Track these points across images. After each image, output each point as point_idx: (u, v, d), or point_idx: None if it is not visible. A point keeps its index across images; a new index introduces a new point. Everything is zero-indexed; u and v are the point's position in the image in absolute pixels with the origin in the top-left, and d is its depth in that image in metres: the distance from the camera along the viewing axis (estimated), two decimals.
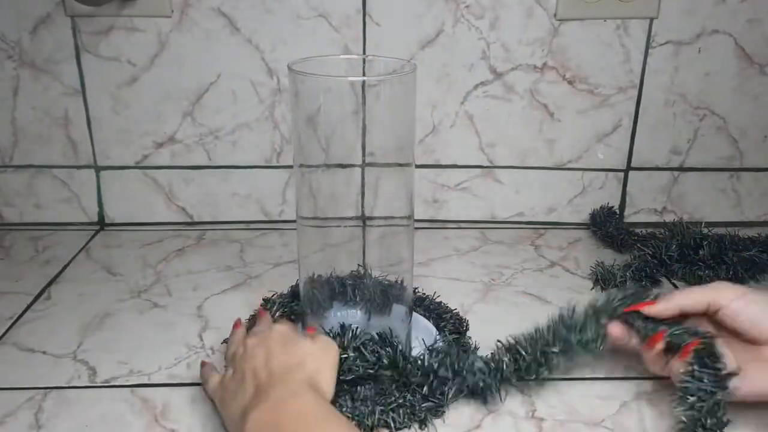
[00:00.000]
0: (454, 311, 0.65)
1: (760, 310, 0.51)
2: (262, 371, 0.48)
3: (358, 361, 0.52)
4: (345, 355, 0.52)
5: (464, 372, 0.53)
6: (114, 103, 0.82)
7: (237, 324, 0.58)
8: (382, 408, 0.51)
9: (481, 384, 0.53)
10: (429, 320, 0.63)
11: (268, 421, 0.44)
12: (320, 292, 0.60)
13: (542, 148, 0.86)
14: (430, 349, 0.55)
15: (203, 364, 0.56)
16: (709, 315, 0.54)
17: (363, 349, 0.53)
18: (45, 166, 0.85)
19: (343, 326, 0.55)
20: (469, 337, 0.61)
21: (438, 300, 0.66)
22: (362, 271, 0.61)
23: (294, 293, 0.65)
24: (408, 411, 0.51)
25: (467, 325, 0.63)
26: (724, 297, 0.53)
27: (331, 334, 0.54)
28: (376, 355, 0.53)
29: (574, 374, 0.58)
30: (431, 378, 0.53)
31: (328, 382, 0.49)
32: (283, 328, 0.53)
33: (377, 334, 0.55)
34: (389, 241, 0.62)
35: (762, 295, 0.53)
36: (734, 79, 0.82)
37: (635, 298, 0.55)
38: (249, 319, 0.63)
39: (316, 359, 0.50)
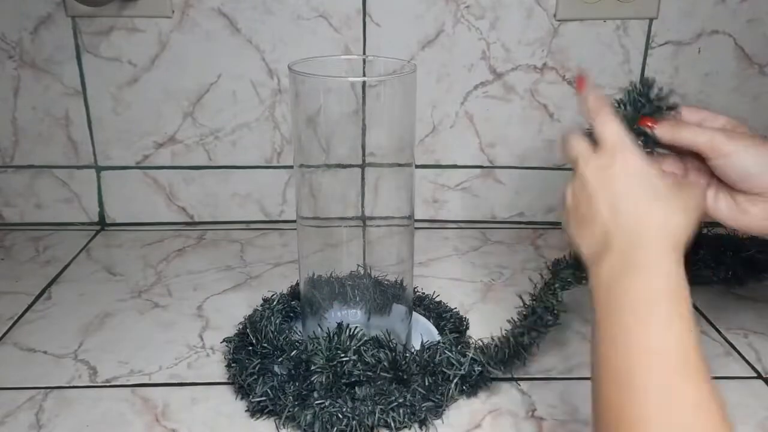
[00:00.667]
0: (454, 310, 0.65)
1: (754, 164, 0.50)
2: (613, 227, 0.45)
3: (358, 365, 0.53)
4: (345, 358, 0.53)
5: (460, 361, 0.54)
6: (115, 103, 0.82)
7: (581, 83, 0.53)
8: (382, 408, 0.51)
9: (477, 369, 0.54)
10: (429, 320, 0.64)
11: (608, 285, 0.42)
12: (320, 292, 0.60)
13: (542, 148, 0.86)
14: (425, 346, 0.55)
15: (582, 86, 0.52)
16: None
17: (363, 353, 0.53)
18: (46, 166, 0.85)
19: (340, 325, 0.55)
20: (470, 337, 0.61)
21: (438, 300, 0.66)
22: (362, 271, 0.61)
23: (294, 293, 0.65)
24: (408, 411, 0.51)
25: (467, 324, 0.63)
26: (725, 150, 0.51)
27: (330, 334, 0.55)
28: (376, 358, 0.53)
29: (574, 374, 0.58)
30: (429, 371, 0.53)
31: (686, 238, 0.44)
32: (626, 160, 0.46)
33: (376, 337, 0.55)
34: (389, 241, 0.62)
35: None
36: (734, 79, 0.82)
37: (651, 108, 0.53)
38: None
39: (680, 213, 0.44)
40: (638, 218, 0.44)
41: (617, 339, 0.40)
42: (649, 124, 0.52)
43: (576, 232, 0.49)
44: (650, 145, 0.52)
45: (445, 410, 0.53)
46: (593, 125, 0.50)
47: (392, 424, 0.50)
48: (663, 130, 0.52)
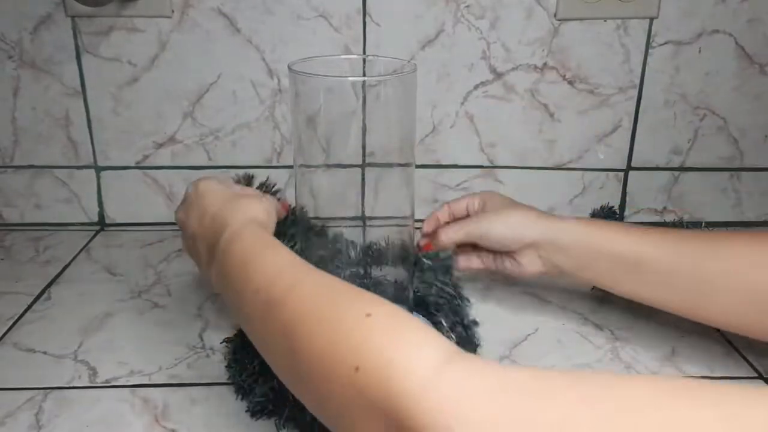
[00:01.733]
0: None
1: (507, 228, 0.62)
2: (201, 232, 0.54)
3: None
4: None
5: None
6: (114, 103, 0.82)
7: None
8: None
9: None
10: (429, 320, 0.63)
11: (220, 272, 0.49)
12: None
13: (542, 148, 0.86)
14: None
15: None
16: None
17: None
18: (45, 166, 0.85)
19: None
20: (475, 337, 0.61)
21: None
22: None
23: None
24: None
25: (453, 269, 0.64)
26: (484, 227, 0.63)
27: None
28: None
29: None
30: None
31: (269, 213, 0.54)
32: (203, 184, 0.57)
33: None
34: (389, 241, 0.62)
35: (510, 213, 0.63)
36: (734, 79, 0.82)
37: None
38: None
39: (246, 197, 0.55)
40: (219, 218, 0.53)
41: (246, 300, 0.46)
42: (426, 249, 0.66)
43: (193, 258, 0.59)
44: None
45: None
46: None
47: None
48: (438, 244, 0.65)
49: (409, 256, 0.60)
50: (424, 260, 0.62)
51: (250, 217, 0.52)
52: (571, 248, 0.57)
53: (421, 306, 0.65)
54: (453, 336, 0.57)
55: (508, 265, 0.63)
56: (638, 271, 0.54)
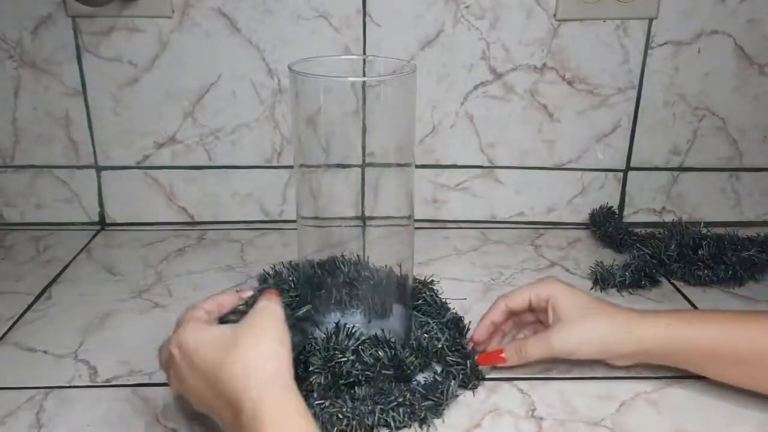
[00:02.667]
0: (453, 310, 0.65)
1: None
2: (198, 397, 0.45)
3: (357, 365, 0.53)
4: (344, 358, 0.53)
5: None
6: (115, 103, 0.82)
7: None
8: (381, 407, 0.51)
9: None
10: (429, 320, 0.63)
11: None
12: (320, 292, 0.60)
13: (542, 148, 0.86)
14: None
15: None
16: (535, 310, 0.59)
17: (361, 353, 0.53)
18: (46, 166, 0.85)
19: (337, 325, 0.55)
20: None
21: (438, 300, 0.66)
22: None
23: (263, 278, 0.66)
24: (408, 410, 0.51)
25: (468, 325, 0.63)
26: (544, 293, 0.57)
27: (328, 335, 0.54)
28: (375, 357, 0.53)
29: (574, 374, 0.58)
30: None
31: (280, 369, 0.43)
32: (181, 349, 0.46)
33: (375, 335, 0.55)
34: (389, 241, 0.62)
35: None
36: (734, 79, 0.82)
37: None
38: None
39: (253, 358, 0.44)
40: (223, 393, 0.43)
41: None
42: (501, 357, 0.57)
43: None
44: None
45: (445, 408, 0.53)
46: None
47: (392, 424, 0.50)
48: (513, 360, 0.56)
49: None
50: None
51: (260, 385, 0.42)
52: (659, 355, 0.55)
53: None
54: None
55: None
56: (720, 361, 0.53)
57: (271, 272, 0.70)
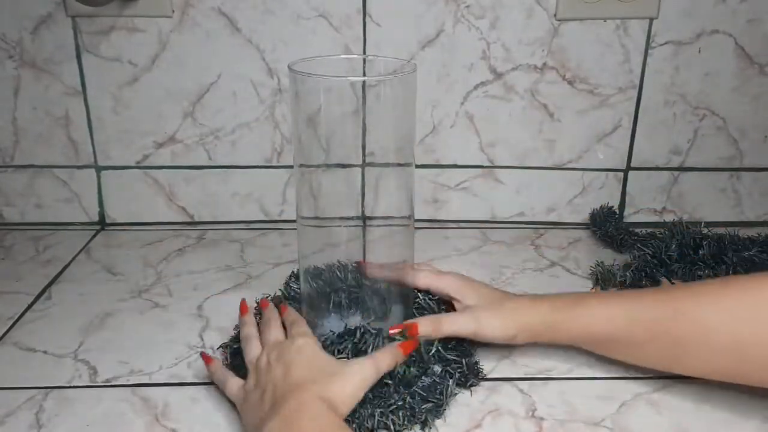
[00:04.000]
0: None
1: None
2: (282, 385, 0.49)
3: None
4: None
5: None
6: (115, 103, 0.82)
7: (244, 309, 0.61)
8: (381, 410, 0.51)
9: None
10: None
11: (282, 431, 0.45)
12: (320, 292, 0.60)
13: (542, 148, 0.86)
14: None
15: (210, 361, 0.56)
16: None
17: (361, 354, 0.53)
18: (46, 166, 0.85)
19: (347, 329, 0.55)
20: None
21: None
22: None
23: (287, 295, 0.65)
24: (408, 413, 0.51)
25: None
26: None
27: (333, 335, 0.55)
28: None
29: (574, 374, 0.58)
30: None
31: (344, 398, 0.49)
32: (305, 342, 0.53)
33: (374, 336, 0.55)
34: (389, 241, 0.62)
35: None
36: (734, 79, 0.82)
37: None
38: (256, 313, 0.62)
39: (337, 376, 0.50)
40: (300, 383, 0.48)
41: None
42: (414, 331, 0.57)
43: (247, 411, 0.51)
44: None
45: (445, 409, 0.53)
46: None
47: (392, 427, 0.50)
48: (426, 331, 0.57)
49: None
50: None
51: (322, 397, 0.48)
52: (556, 339, 0.58)
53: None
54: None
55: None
56: (626, 343, 0.55)
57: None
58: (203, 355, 0.57)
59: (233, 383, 0.53)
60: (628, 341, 0.55)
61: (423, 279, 0.63)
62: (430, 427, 0.52)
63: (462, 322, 0.58)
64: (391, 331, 0.56)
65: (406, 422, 0.51)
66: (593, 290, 0.73)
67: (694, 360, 0.52)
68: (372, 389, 0.52)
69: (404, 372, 0.53)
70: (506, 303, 0.59)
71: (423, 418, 0.51)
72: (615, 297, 0.58)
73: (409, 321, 0.57)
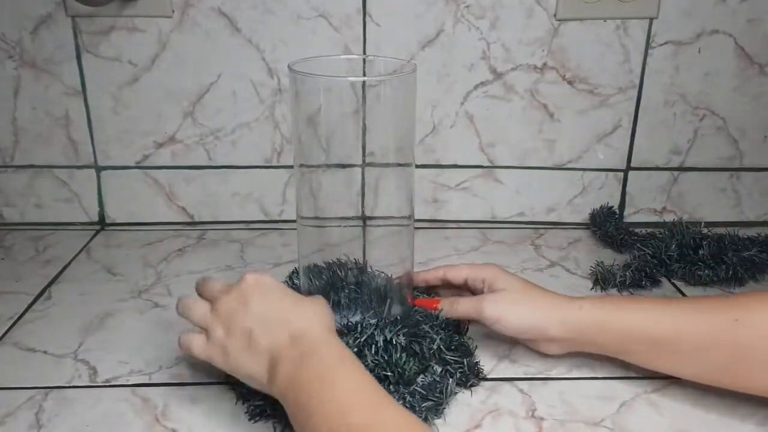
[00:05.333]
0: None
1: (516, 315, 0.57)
2: (266, 321, 0.49)
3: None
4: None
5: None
6: (114, 103, 0.82)
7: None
8: None
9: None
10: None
11: (291, 383, 0.46)
12: (320, 292, 0.60)
13: (542, 148, 0.86)
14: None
15: (182, 337, 0.54)
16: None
17: (367, 352, 0.53)
18: (46, 166, 0.85)
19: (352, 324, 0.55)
20: (470, 338, 0.61)
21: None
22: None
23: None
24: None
25: (467, 325, 0.63)
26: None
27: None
28: (374, 361, 0.53)
29: (574, 374, 0.58)
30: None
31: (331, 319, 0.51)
32: (257, 276, 0.52)
33: (373, 336, 0.55)
34: (389, 241, 0.62)
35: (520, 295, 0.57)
36: (734, 79, 0.82)
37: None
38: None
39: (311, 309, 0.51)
40: (290, 323, 0.49)
41: (319, 415, 0.43)
42: (435, 306, 0.59)
43: (239, 364, 0.50)
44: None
45: (445, 407, 0.53)
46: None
47: None
48: (445, 311, 0.59)
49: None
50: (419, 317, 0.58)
51: (326, 328, 0.50)
52: (600, 339, 0.55)
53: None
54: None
55: (526, 344, 0.60)
56: (676, 350, 0.52)
57: None
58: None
59: (199, 339, 0.52)
60: (676, 348, 0.52)
61: (461, 269, 0.61)
62: (431, 425, 0.52)
63: (484, 305, 0.56)
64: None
65: None
66: (593, 290, 0.73)
67: (751, 371, 0.49)
68: None
69: (404, 366, 0.53)
70: (541, 294, 0.57)
71: (423, 416, 0.51)
72: (664, 300, 0.55)
73: (430, 299, 0.58)
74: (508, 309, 0.56)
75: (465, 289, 0.62)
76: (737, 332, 0.49)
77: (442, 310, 0.59)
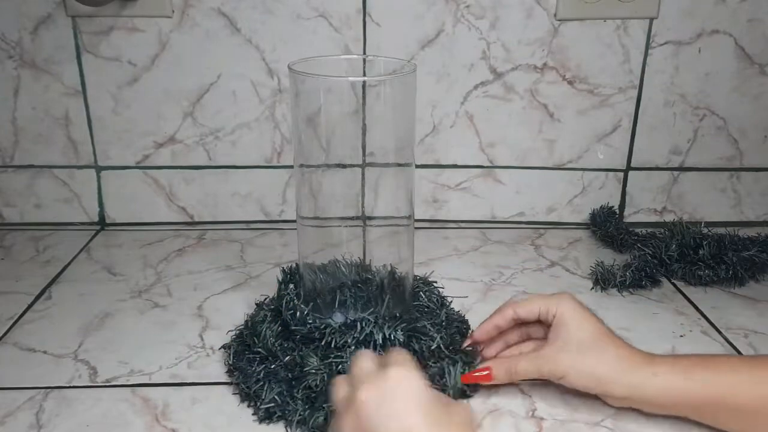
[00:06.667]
0: (456, 311, 0.65)
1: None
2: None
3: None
4: (342, 358, 0.53)
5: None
6: (114, 103, 0.82)
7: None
8: None
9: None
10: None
11: None
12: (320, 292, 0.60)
13: (542, 148, 0.86)
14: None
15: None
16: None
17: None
18: (46, 166, 0.85)
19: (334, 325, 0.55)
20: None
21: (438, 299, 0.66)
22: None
23: (282, 296, 0.65)
24: None
25: (467, 326, 0.63)
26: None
27: (324, 335, 0.54)
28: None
29: None
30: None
31: None
32: (402, 372, 0.43)
33: (373, 336, 0.55)
34: (389, 241, 0.62)
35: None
36: (734, 79, 0.82)
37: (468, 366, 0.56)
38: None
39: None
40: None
41: None
42: (488, 378, 0.54)
43: None
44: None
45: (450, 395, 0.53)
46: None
47: None
48: (500, 379, 0.54)
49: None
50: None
51: None
52: (670, 404, 0.51)
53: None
54: None
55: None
56: (732, 412, 0.49)
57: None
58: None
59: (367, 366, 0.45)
60: (746, 410, 0.48)
61: (533, 303, 0.55)
62: None
63: (545, 364, 0.52)
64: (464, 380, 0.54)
65: None
66: (593, 290, 0.73)
67: None
68: None
69: None
70: (613, 346, 0.51)
71: None
72: (747, 360, 0.52)
73: (479, 370, 0.54)
74: (572, 365, 0.51)
75: (537, 323, 0.56)
76: None
77: (493, 378, 0.54)
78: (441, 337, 0.56)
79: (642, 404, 0.52)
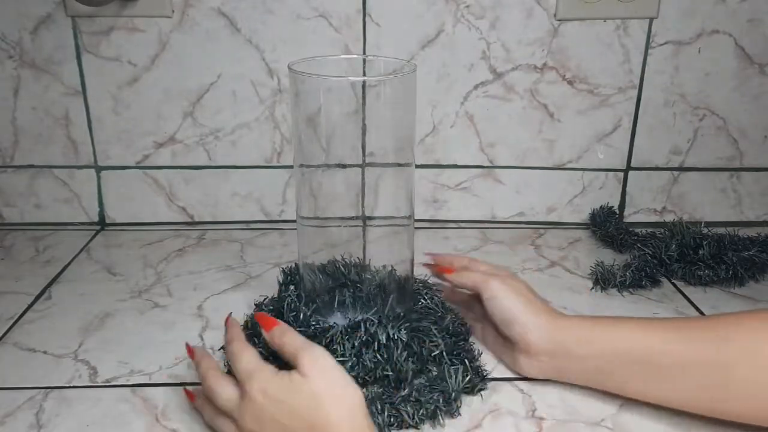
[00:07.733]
0: (456, 313, 0.65)
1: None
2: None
3: (357, 367, 0.52)
4: (344, 359, 0.53)
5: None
6: (114, 103, 0.82)
7: (228, 322, 0.54)
8: (390, 404, 0.51)
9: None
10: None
11: None
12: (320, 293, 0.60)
13: (542, 148, 0.86)
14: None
15: (192, 398, 0.53)
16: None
17: (362, 354, 0.53)
18: (45, 166, 0.85)
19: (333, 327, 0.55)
20: (473, 343, 0.61)
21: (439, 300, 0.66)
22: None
23: (283, 297, 0.65)
24: (417, 407, 0.51)
25: (468, 326, 0.63)
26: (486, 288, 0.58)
27: (325, 337, 0.54)
28: (373, 361, 0.53)
29: None
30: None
31: (363, 409, 0.45)
32: (265, 387, 0.46)
33: (373, 336, 0.54)
34: (389, 241, 0.62)
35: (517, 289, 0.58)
36: (734, 79, 0.82)
37: None
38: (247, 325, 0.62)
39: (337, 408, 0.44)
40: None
41: None
42: (450, 270, 0.62)
43: None
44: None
45: (457, 400, 0.53)
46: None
47: (403, 423, 0.51)
48: (453, 277, 0.61)
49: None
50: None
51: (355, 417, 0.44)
52: (581, 352, 0.53)
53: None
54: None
55: (506, 359, 0.59)
56: (659, 367, 0.50)
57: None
58: (186, 391, 0.53)
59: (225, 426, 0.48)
60: (660, 364, 0.50)
61: (482, 265, 0.62)
62: (439, 423, 0.51)
63: (492, 279, 0.57)
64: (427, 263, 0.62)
65: (416, 417, 0.51)
66: (593, 290, 0.73)
67: (737, 393, 0.47)
68: (381, 385, 0.52)
69: (400, 369, 0.53)
70: (541, 301, 0.57)
71: (432, 408, 0.51)
72: (651, 318, 0.55)
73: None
74: (507, 293, 0.57)
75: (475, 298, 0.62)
76: (725, 350, 0.47)
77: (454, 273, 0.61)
78: (445, 344, 0.56)
79: (552, 357, 0.54)
